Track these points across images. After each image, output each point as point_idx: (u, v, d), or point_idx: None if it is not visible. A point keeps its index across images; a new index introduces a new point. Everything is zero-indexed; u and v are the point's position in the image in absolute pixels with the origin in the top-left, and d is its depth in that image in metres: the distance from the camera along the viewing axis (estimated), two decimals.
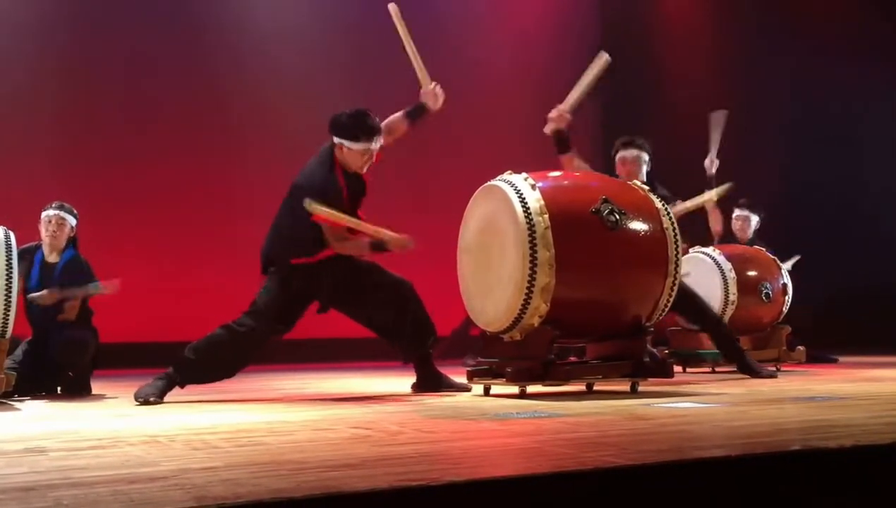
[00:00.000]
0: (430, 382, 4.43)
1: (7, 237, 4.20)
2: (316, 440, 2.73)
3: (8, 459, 2.42)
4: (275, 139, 7.94)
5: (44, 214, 4.99)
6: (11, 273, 4.13)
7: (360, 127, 4.25)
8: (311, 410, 3.72)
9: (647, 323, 4.11)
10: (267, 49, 8.39)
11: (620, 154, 5.21)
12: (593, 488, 2.00)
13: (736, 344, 5.36)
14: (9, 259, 4.13)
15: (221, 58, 8.34)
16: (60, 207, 5.01)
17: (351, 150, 4.25)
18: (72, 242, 5.05)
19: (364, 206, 4.40)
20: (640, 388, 4.09)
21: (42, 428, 3.23)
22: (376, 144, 4.28)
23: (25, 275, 4.83)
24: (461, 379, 4.39)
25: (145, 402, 4.00)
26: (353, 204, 4.31)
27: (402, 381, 4.74)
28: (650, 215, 4.12)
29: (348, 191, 4.27)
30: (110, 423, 3.38)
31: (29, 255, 4.88)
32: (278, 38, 8.50)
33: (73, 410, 4.02)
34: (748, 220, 6.91)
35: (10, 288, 4.11)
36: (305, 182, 4.26)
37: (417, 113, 4.60)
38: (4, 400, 4.27)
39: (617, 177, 5.01)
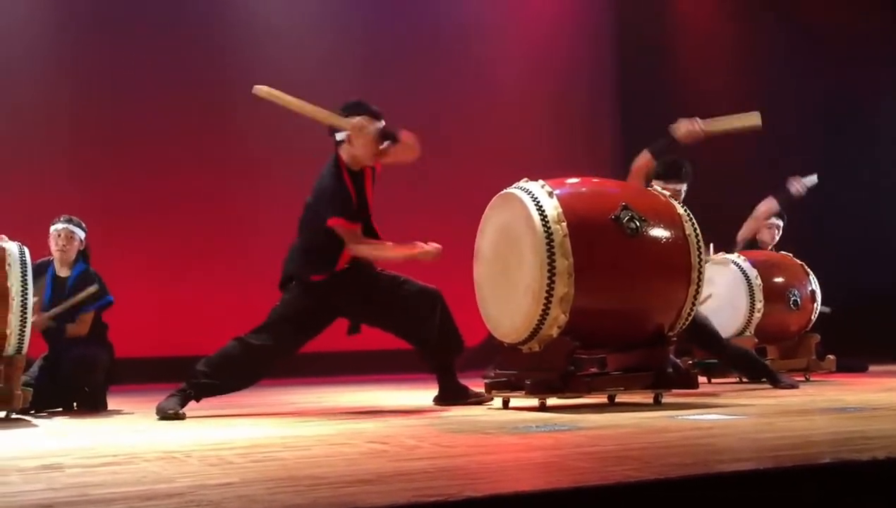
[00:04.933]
0: (452, 394, 4.38)
1: (22, 253, 4.20)
2: (332, 455, 2.72)
3: (25, 476, 2.42)
4: (292, 153, 7.91)
5: (52, 228, 4.99)
6: (27, 289, 4.14)
7: (354, 110, 4.23)
8: (327, 424, 3.69)
9: (670, 333, 4.04)
10: (283, 62, 8.38)
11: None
12: (616, 503, 1.96)
13: (752, 361, 5.26)
14: (24, 275, 4.14)
15: (239, 70, 8.34)
16: (69, 221, 5.01)
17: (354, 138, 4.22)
18: (82, 255, 5.04)
19: (379, 210, 4.35)
20: (664, 400, 4.02)
21: (58, 445, 3.22)
22: (374, 125, 4.22)
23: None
24: (481, 391, 4.35)
25: (165, 417, 3.98)
26: (363, 201, 4.27)
27: (419, 394, 4.70)
28: (672, 221, 4.05)
29: (355, 190, 4.24)
30: (126, 439, 3.37)
31: (41, 271, 4.87)
32: (292, 50, 8.50)
33: (88, 426, 4.01)
34: (779, 228, 6.75)
35: (26, 304, 4.12)
36: (316, 196, 4.27)
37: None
38: (21, 416, 4.26)
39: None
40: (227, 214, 8.16)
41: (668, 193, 4.28)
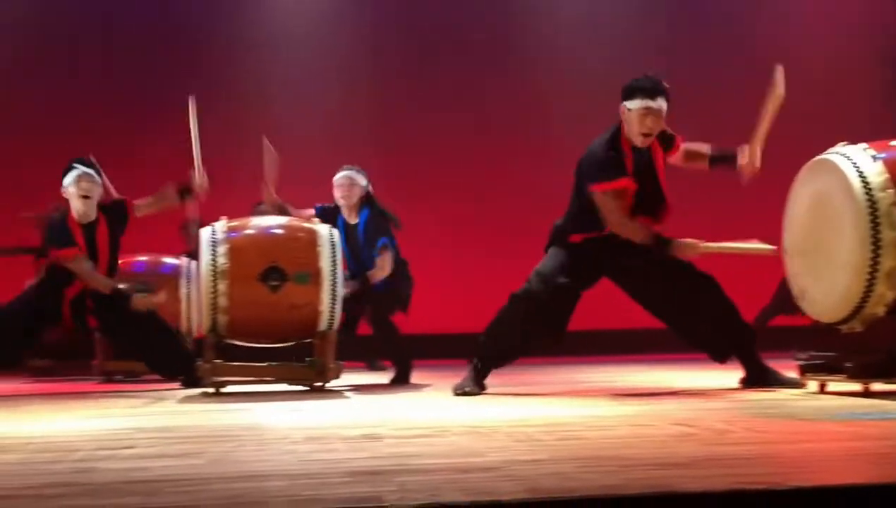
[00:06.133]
0: (759, 377, 4.12)
1: (331, 235, 4.47)
2: (637, 436, 2.66)
3: (350, 444, 2.57)
4: (584, 125, 7.77)
5: (334, 178, 5.16)
6: (336, 268, 4.40)
7: (638, 83, 3.98)
8: (626, 405, 3.62)
9: None
10: (574, 38, 8.37)
11: None
12: None
13: None
14: (333, 255, 4.40)
15: (533, 45, 8.43)
16: (348, 168, 5.17)
17: (630, 111, 3.98)
18: (367, 201, 5.15)
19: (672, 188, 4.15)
20: None
21: (372, 416, 3.41)
22: (658, 103, 3.96)
23: None
24: (790, 374, 4.06)
25: (463, 394, 4.06)
26: (639, 179, 4.03)
27: (716, 375, 4.47)
28: None
29: (633, 162, 4.01)
30: (433, 413, 3.50)
31: (331, 217, 5.03)
32: (586, 28, 8.47)
33: (397, 399, 4.21)
34: None
35: (336, 282, 4.38)
36: (585, 156, 4.09)
37: None
38: (337, 388, 4.54)
39: None
40: (524, 185, 8.09)
41: None
